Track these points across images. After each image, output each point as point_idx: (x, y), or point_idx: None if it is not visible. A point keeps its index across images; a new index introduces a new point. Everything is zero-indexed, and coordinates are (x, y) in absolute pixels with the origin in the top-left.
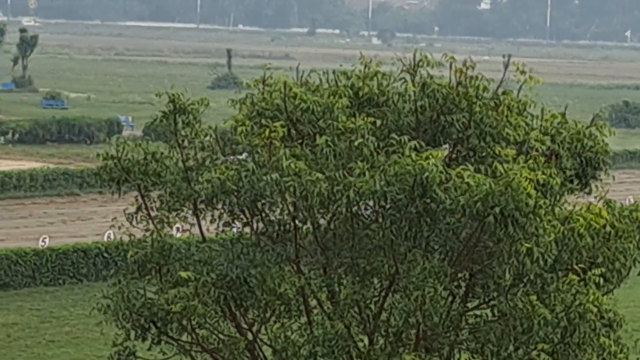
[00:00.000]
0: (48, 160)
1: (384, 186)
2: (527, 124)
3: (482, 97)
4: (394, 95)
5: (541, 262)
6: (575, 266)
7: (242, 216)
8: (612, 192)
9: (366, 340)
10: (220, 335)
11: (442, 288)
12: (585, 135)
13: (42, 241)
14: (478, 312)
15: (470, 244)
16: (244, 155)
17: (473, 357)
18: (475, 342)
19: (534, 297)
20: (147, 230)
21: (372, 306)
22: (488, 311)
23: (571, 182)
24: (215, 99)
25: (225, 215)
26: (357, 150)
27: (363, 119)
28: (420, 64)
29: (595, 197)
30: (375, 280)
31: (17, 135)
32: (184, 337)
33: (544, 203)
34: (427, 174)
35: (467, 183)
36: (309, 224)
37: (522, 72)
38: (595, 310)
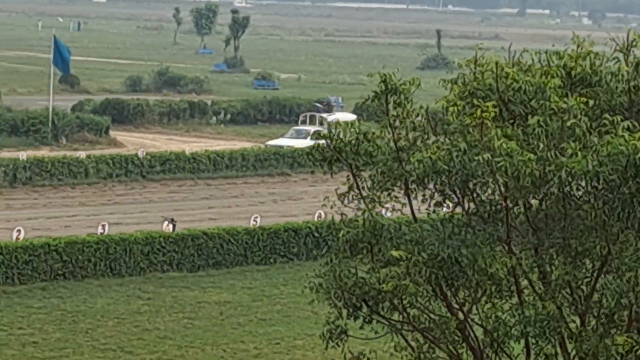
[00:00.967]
0: (259, 140)
1: (596, 166)
2: None
3: None
4: (607, 75)
5: None
6: None
7: (453, 196)
8: None
9: (578, 321)
10: (431, 315)
11: None
12: None
13: (254, 220)
14: None
15: None
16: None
17: None
18: None
19: None
20: (358, 209)
21: (584, 287)
22: None
23: None
24: (425, 79)
25: (436, 195)
26: (569, 130)
27: (575, 99)
28: (634, 43)
29: None
30: (587, 261)
31: (228, 116)
32: (395, 316)
33: None
34: None
35: None
36: (520, 204)
37: None
38: None
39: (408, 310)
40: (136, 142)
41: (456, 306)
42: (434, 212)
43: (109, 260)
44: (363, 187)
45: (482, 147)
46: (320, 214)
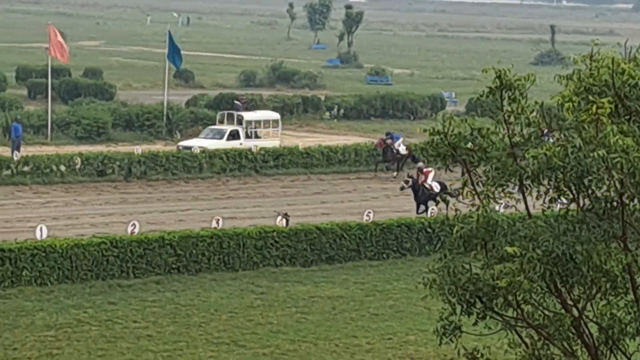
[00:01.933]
0: (372, 135)
1: None
2: None
3: None
4: None
5: None
6: None
7: (567, 192)
8: None
9: None
10: (546, 312)
11: None
12: None
13: (367, 215)
14: None
15: None
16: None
17: None
18: None
19: None
20: (472, 205)
21: None
22: None
23: None
24: (538, 75)
25: (551, 191)
26: None
27: None
28: None
29: None
30: None
31: (342, 111)
32: (509, 313)
33: None
34: None
35: None
36: (636, 201)
37: None
38: None
39: (522, 306)
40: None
41: (570, 303)
42: (549, 208)
43: (222, 255)
44: (477, 183)
45: (597, 143)
46: (433, 209)
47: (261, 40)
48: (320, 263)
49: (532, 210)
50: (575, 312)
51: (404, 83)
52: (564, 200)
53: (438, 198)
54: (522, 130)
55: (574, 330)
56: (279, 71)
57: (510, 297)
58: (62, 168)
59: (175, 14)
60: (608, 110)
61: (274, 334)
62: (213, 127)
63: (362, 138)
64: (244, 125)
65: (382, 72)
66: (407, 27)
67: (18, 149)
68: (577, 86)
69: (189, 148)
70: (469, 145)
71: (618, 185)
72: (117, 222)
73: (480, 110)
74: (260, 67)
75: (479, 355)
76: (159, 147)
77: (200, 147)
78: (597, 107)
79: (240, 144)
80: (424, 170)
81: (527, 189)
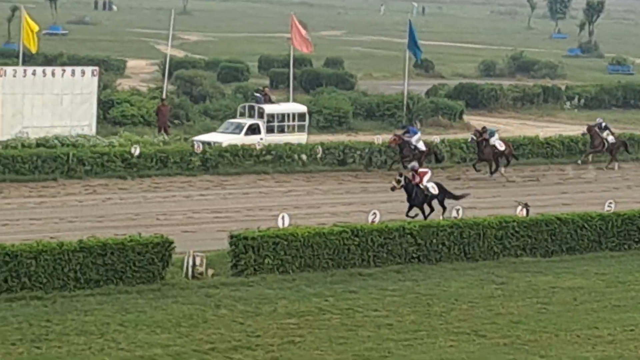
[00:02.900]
0: (613, 126)
1: None
2: None
3: None
4: None
5: None
6: None
7: None
8: None
9: None
10: None
11: None
12: None
13: (608, 206)
14: None
15: None
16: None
17: None
18: None
19: None
20: None
21: None
22: None
23: None
24: None
25: None
26: None
27: None
28: None
29: None
30: None
31: (582, 101)
32: None
33: None
34: None
35: None
36: None
37: None
38: None
39: None
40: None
41: None
42: None
43: (462, 244)
44: None
45: None
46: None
47: (500, 29)
48: (560, 254)
49: None
50: None
51: None
52: None
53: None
54: None
55: None
56: (519, 61)
57: None
58: (304, 157)
59: (414, 4)
60: None
61: (514, 324)
62: (232, 120)
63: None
64: (265, 119)
65: (624, 61)
66: None
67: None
68: None
69: (209, 143)
70: None
71: None
72: (358, 211)
73: None
74: (500, 57)
75: None
76: None
77: (215, 142)
78: None
79: (261, 139)
80: (419, 171)
81: None
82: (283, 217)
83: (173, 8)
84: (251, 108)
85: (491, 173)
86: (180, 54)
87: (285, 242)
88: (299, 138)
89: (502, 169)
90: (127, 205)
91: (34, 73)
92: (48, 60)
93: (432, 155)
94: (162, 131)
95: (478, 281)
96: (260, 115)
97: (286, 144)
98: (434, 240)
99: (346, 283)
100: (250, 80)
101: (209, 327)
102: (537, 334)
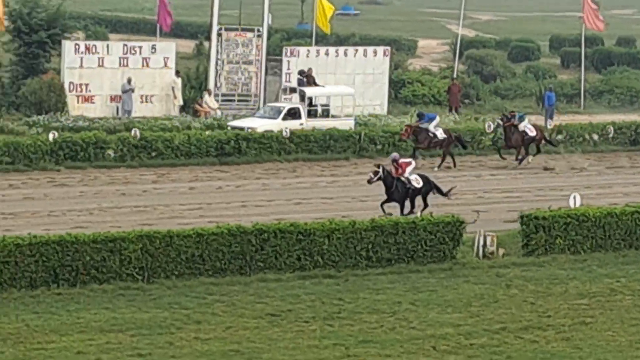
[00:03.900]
0: None
1: None
2: None
3: None
4: None
5: None
6: None
7: None
8: None
9: None
10: None
11: None
12: None
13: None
14: None
15: None
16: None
17: None
18: None
19: None
20: None
21: None
22: None
23: None
24: None
25: None
26: None
27: None
28: None
29: None
30: None
31: None
32: None
33: None
34: None
35: None
36: None
37: None
38: None
39: None
40: None
41: None
42: None
43: None
44: None
45: None
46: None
47: None
48: None
49: None
50: None
51: None
52: None
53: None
54: None
55: None
56: None
57: None
58: (595, 137)
59: None
60: None
61: None
62: (272, 104)
63: None
64: (306, 102)
65: None
66: None
67: (551, 117)
68: None
69: (242, 129)
70: None
71: None
72: None
73: None
74: None
75: None
76: None
77: (249, 127)
78: None
79: (301, 124)
80: (400, 161)
81: None
82: (574, 197)
83: None
84: (293, 91)
85: (519, 161)
86: (470, 33)
87: (577, 222)
88: (346, 123)
89: (530, 157)
90: None
91: (326, 53)
92: (340, 40)
93: (457, 143)
94: (453, 111)
95: None
96: (302, 99)
97: (579, 123)
98: None
99: (638, 264)
100: (541, 60)
101: (499, 306)
102: None
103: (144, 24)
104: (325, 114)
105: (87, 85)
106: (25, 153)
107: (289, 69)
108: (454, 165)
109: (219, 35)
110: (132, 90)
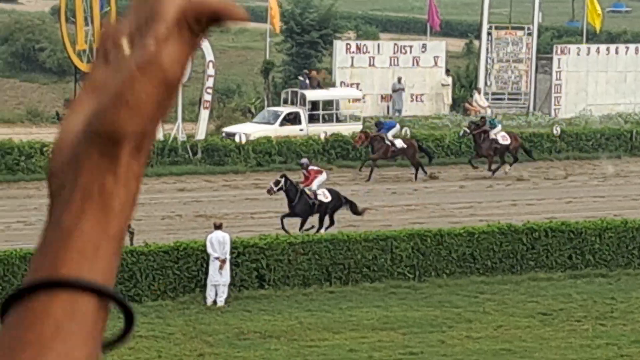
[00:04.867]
0: None
1: None
2: None
3: None
4: None
5: None
6: None
7: None
8: None
9: None
10: None
11: None
12: None
13: None
14: None
15: None
16: None
17: None
18: None
19: None
20: None
21: None
22: None
23: None
24: None
25: None
26: None
27: None
28: None
29: None
30: None
31: None
32: None
33: None
34: None
35: None
36: None
37: None
38: None
39: None
40: None
41: None
42: None
43: None
44: None
45: None
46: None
47: None
48: None
49: None
50: None
51: None
52: None
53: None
54: None
55: None
56: None
57: None
58: None
59: None
60: None
61: None
62: (271, 108)
63: None
64: (307, 106)
65: None
66: None
67: None
68: None
69: (233, 135)
70: None
71: None
72: None
73: None
74: None
75: None
76: None
77: (245, 133)
78: None
79: (301, 129)
80: (309, 168)
81: None
82: None
83: None
84: (294, 94)
85: (491, 171)
86: None
87: None
88: (351, 128)
89: (508, 167)
90: None
91: (597, 51)
92: (612, 37)
93: (422, 152)
94: None
95: None
96: (303, 102)
97: None
98: None
99: None
100: None
101: None
102: None
103: (414, 23)
104: (328, 118)
105: (357, 84)
106: (298, 152)
107: (559, 67)
108: (415, 178)
109: (489, 33)
110: (403, 90)
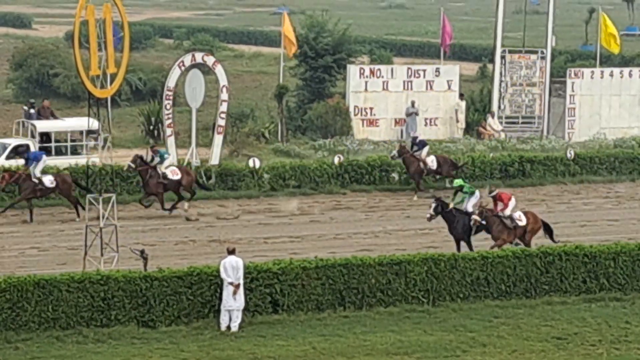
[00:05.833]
0: None
1: None
2: None
3: None
4: None
5: None
6: None
7: None
8: None
9: None
10: None
11: None
12: None
13: None
14: None
15: None
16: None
17: None
18: None
19: None
20: None
21: None
22: None
23: None
24: None
25: None
26: None
27: None
28: None
29: None
30: None
31: None
32: None
33: None
34: None
35: None
36: None
37: None
38: None
39: None
40: None
41: None
42: None
43: None
44: None
45: None
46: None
47: None
48: None
49: None
50: None
51: None
52: None
53: None
54: None
55: None
56: None
57: None
58: None
59: None
60: None
61: None
62: (1, 140)
63: None
64: (37, 138)
65: None
66: None
67: None
68: None
69: None
70: None
71: None
72: None
73: None
74: None
75: None
76: None
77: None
78: None
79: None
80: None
81: None
82: None
83: None
84: (23, 125)
85: (164, 209)
86: None
87: None
88: (85, 161)
89: (186, 205)
90: None
91: (611, 74)
92: (625, 61)
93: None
94: None
95: None
96: (32, 135)
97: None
98: None
99: None
100: None
101: None
102: None
103: (428, 47)
104: (60, 151)
105: (371, 108)
106: (312, 176)
107: (573, 90)
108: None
109: (503, 57)
110: (417, 114)
